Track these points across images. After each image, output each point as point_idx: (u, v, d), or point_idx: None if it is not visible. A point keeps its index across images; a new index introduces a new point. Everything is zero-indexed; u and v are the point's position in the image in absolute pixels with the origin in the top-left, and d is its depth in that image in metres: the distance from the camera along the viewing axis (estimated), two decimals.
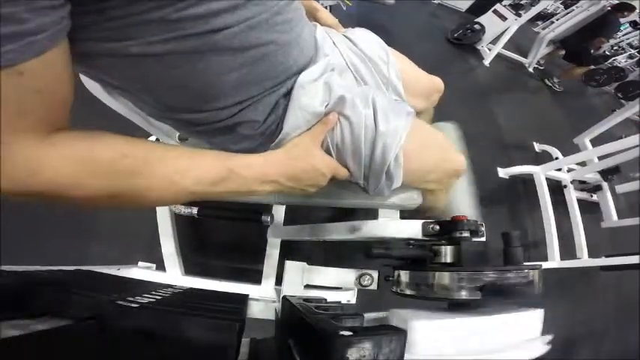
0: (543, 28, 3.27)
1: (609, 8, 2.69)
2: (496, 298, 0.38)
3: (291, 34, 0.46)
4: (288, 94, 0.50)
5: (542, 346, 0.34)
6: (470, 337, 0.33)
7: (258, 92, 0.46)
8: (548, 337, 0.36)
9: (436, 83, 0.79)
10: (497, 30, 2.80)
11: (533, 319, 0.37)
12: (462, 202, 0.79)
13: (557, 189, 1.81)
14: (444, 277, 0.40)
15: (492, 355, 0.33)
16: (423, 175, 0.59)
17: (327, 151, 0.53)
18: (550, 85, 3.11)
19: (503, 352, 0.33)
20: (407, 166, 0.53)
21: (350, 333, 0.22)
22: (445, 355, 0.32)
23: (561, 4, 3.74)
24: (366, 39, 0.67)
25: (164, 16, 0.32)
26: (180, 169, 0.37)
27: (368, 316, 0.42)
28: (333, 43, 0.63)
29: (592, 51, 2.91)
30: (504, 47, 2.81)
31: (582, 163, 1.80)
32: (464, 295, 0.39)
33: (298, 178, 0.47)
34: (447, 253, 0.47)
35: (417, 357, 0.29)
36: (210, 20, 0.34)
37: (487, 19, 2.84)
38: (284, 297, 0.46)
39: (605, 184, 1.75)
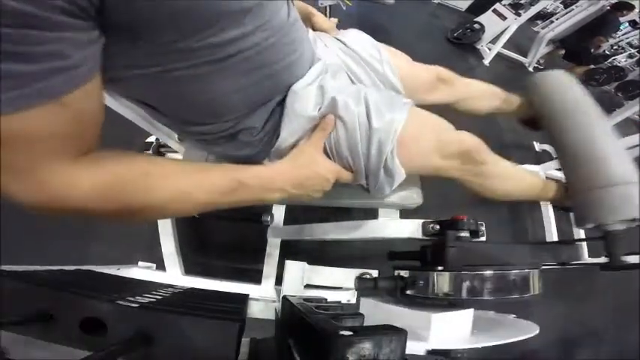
0: (543, 28, 3.26)
1: (608, 7, 2.69)
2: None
3: (296, 54, 0.48)
4: (282, 101, 0.51)
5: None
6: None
7: (259, 104, 0.49)
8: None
9: (438, 72, 0.77)
10: (496, 29, 2.80)
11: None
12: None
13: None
14: (446, 277, 0.40)
15: None
16: (426, 162, 0.58)
17: (326, 155, 0.54)
18: None
19: None
20: (405, 154, 0.53)
21: (350, 333, 0.22)
22: None
23: (561, 3, 3.73)
24: (358, 40, 0.67)
25: (186, 46, 0.35)
26: (194, 183, 0.39)
27: None
28: (325, 45, 0.64)
29: (592, 50, 2.90)
30: (504, 47, 2.81)
31: None
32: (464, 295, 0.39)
33: (303, 185, 0.49)
34: None
35: None
36: (225, 48, 0.38)
37: (487, 19, 2.84)
38: (284, 297, 0.46)
39: None
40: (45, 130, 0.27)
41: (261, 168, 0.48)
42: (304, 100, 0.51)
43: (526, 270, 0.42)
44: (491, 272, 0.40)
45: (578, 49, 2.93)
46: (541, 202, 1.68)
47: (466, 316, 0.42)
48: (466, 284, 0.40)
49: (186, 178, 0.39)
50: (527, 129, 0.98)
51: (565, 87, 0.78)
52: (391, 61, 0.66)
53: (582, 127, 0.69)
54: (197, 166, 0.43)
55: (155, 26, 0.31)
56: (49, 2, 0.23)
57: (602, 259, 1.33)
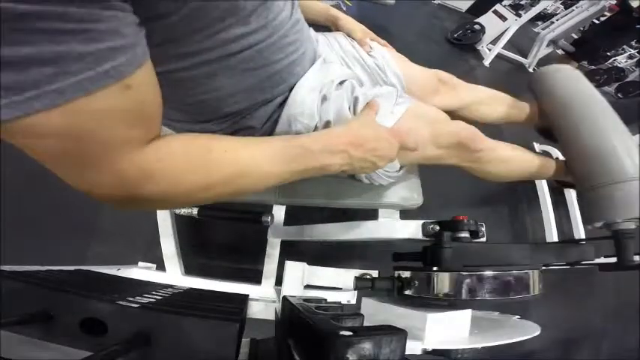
0: (543, 29, 3.26)
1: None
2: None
3: (297, 53, 0.49)
4: (283, 103, 0.52)
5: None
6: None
7: (259, 103, 0.49)
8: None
9: (436, 73, 0.79)
10: (497, 30, 2.80)
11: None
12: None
13: (557, 189, 1.81)
14: (444, 278, 0.40)
15: None
16: (422, 153, 0.60)
17: None
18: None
19: None
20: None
21: (350, 333, 0.22)
22: None
23: (561, 4, 3.73)
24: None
25: (192, 41, 0.35)
26: (255, 154, 0.39)
27: None
28: (330, 44, 0.64)
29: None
30: (504, 47, 2.80)
31: None
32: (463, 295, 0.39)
33: (364, 147, 0.46)
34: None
35: None
36: (228, 46, 0.38)
37: (487, 20, 2.84)
38: (284, 297, 0.46)
39: None
40: (115, 114, 0.27)
41: (317, 133, 0.47)
42: (305, 106, 0.51)
43: (525, 270, 0.42)
44: (491, 273, 0.40)
45: (593, 45, 2.84)
46: (540, 203, 1.68)
47: (463, 316, 0.42)
48: (465, 285, 0.40)
49: (246, 151, 0.38)
50: (546, 140, 0.95)
51: (569, 80, 0.75)
52: (393, 64, 0.67)
53: (589, 121, 0.64)
54: (251, 139, 0.42)
55: (170, 22, 0.31)
56: None
57: (604, 260, 1.33)
